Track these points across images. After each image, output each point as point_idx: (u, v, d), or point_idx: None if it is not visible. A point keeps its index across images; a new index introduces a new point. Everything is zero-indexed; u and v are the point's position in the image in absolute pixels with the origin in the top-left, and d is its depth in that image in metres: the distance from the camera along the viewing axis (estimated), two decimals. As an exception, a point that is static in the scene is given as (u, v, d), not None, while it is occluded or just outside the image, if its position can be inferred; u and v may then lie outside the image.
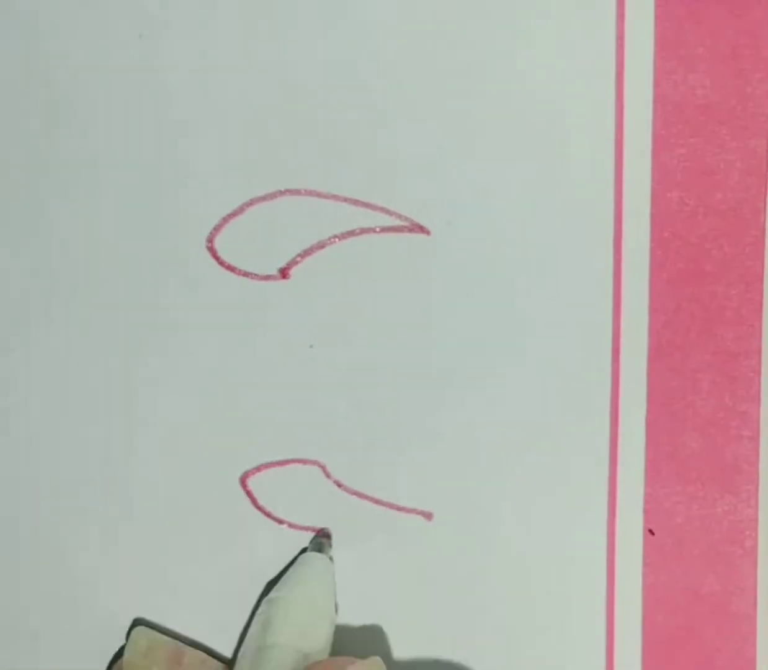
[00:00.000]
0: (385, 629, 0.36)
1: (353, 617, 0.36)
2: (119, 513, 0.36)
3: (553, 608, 0.36)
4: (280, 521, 0.36)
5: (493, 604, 0.36)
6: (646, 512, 0.35)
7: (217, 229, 0.37)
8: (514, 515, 0.36)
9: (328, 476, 0.36)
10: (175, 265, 0.36)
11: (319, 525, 0.36)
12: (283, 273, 0.36)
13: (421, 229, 0.36)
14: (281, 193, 0.36)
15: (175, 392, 0.36)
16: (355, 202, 0.36)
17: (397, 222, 0.36)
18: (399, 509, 0.36)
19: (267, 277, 0.36)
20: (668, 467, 0.35)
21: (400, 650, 0.36)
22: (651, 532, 0.35)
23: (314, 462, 0.36)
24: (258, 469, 0.36)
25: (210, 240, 0.37)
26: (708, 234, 0.35)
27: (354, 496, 0.36)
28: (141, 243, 0.36)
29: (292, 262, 0.36)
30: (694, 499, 0.35)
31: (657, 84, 0.34)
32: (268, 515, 0.36)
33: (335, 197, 0.36)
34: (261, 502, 0.36)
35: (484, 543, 0.36)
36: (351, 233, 0.36)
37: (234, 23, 0.36)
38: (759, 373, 0.35)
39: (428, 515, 0.36)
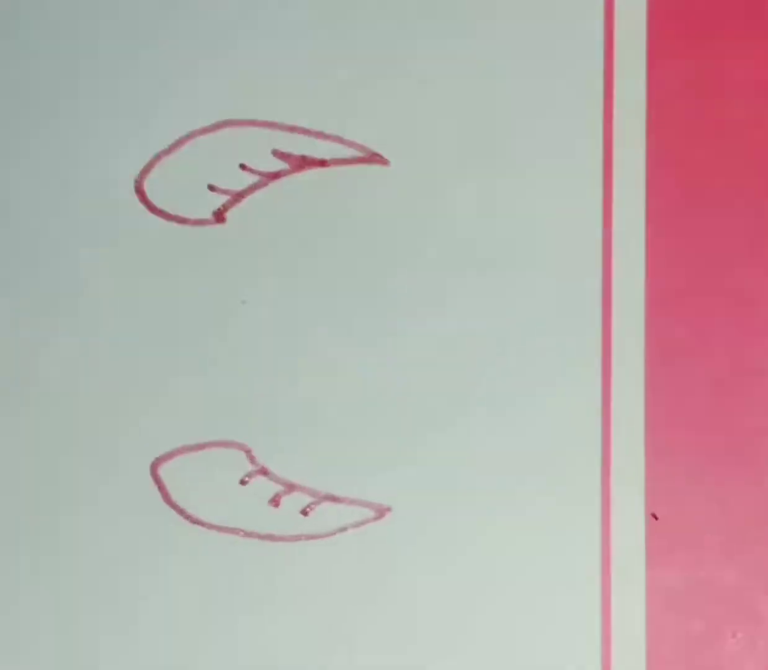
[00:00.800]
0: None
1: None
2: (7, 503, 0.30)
3: (541, 611, 0.28)
4: (196, 521, 0.30)
5: (472, 606, 0.28)
6: (647, 493, 0.28)
7: (147, 168, 0.31)
8: (493, 507, 0.28)
9: (253, 461, 0.29)
10: (98, 209, 0.31)
11: (244, 523, 0.29)
12: (218, 216, 0.31)
13: (380, 159, 0.30)
14: (223, 124, 0.31)
15: (77, 357, 0.30)
16: (306, 132, 0.30)
17: (352, 152, 0.30)
18: (342, 501, 0.29)
19: (200, 222, 0.31)
20: (669, 438, 0.28)
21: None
22: (654, 516, 0.27)
23: (237, 445, 0.30)
24: (171, 455, 0.30)
25: (138, 181, 0.31)
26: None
27: (284, 486, 0.29)
28: (61, 184, 0.31)
29: (229, 204, 0.31)
30: (703, 476, 0.28)
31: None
32: (181, 512, 0.30)
33: (282, 127, 0.31)
34: (174, 496, 0.30)
35: (452, 539, 0.28)
36: (299, 167, 0.30)
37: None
38: None
39: (383, 510, 0.29)
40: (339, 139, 0.30)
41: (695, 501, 0.28)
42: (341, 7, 0.30)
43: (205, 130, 0.31)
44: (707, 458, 0.28)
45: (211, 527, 0.29)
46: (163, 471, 0.30)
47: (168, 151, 0.31)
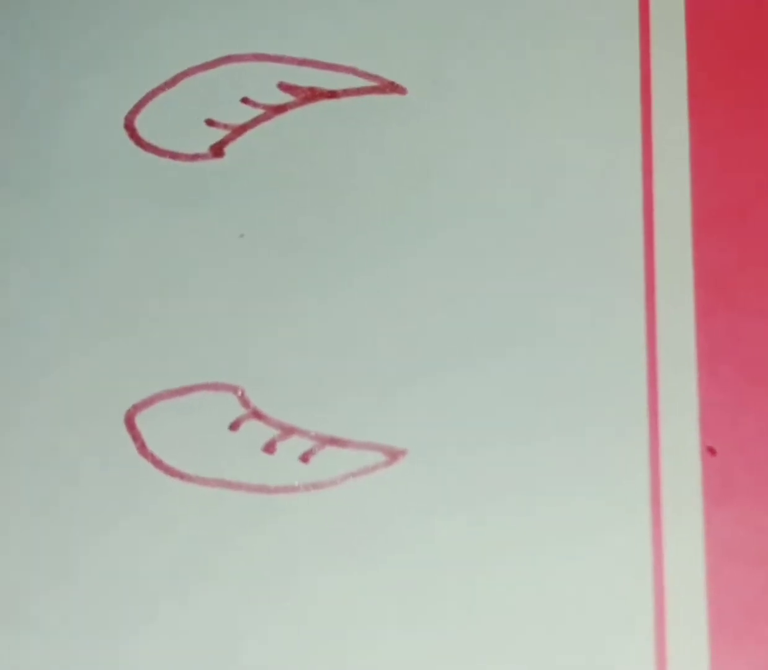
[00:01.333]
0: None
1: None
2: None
3: (582, 558, 0.24)
4: (176, 473, 0.25)
5: (502, 556, 0.24)
6: (702, 423, 0.24)
7: (139, 105, 0.29)
8: (524, 446, 0.25)
9: (245, 404, 0.26)
10: (89, 147, 0.28)
11: (233, 475, 0.25)
12: (216, 150, 0.28)
13: (396, 87, 0.28)
14: (224, 59, 0.29)
15: (58, 292, 0.27)
16: (315, 64, 0.28)
17: (364, 83, 0.28)
18: (348, 445, 0.25)
19: (195, 157, 0.28)
20: (727, 363, 0.25)
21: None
22: (711, 451, 0.24)
23: (228, 386, 0.26)
24: (151, 401, 0.26)
25: (129, 118, 0.29)
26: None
27: (280, 430, 0.26)
28: (50, 122, 0.29)
29: (229, 138, 0.28)
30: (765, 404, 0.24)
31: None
32: (158, 463, 0.26)
33: (290, 61, 0.28)
34: (151, 446, 0.26)
35: (479, 483, 0.24)
36: (307, 99, 0.28)
37: None
38: None
39: (396, 454, 0.25)
40: (353, 70, 0.28)
41: (756, 432, 0.24)
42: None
43: (204, 66, 0.29)
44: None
45: (192, 479, 0.25)
46: (140, 420, 0.26)
47: (163, 87, 0.29)
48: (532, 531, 0.24)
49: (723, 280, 0.25)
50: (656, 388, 0.24)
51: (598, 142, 0.27)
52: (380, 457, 0.25)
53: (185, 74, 0.29)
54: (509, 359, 0.25)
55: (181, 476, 0.25)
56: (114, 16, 0.29)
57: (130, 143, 0.29)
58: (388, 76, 0.28)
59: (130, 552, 0.25)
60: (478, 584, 0.24)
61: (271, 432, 0.25)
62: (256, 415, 0.25)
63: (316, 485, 0.25)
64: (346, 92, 0.28)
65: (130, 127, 0.29)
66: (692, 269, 0.25)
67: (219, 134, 0.28)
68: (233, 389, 0.26)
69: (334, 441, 0.25)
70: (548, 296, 0.25)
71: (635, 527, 0.23)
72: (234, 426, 0.25)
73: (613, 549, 0.23)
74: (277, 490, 0.25)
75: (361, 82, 0.28)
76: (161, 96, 0.29)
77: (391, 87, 0.28)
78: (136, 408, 0.26)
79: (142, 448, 0.26)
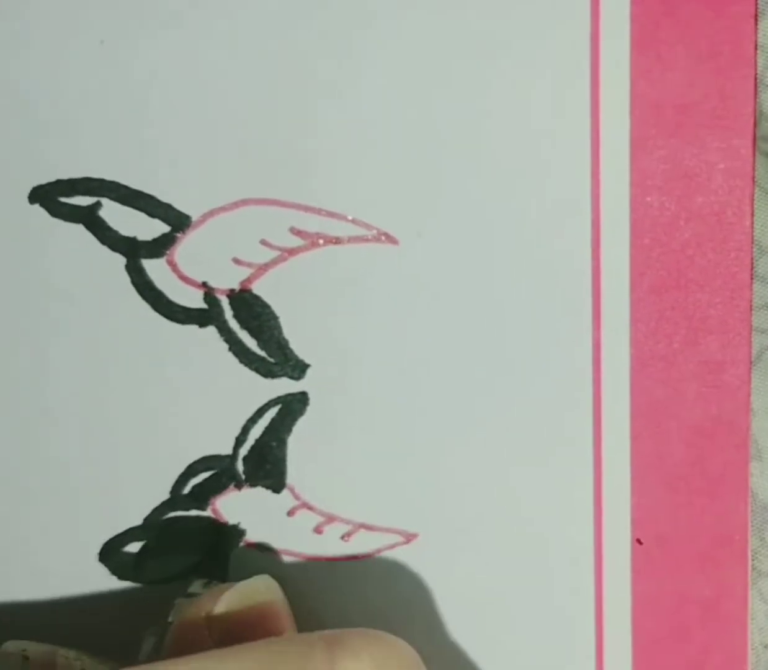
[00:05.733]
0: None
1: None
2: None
3: (541, 622, 0.35)
4: (252, 545, 0.36)
5: (479, 620, 0.35)
6: (633, 521, 0.34)
7: (177, 242, 0.35)
8: (499, 530, 0.35)
9: (297, 498, 0.35)
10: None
11: (295, 547, 0.36)
12: (244, 287, 0.35)
13: (389, 239, 0.34)
14: (243, 202, 0.34)
15: (130, 417, 0.35)
16: (319, 212, 0.34)
17: (363, 232, 0.34)
18: (377, 529, 0.35)
19: (228, 293, 0.35)
20: (654, 476, 0.34)
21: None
22: (638, 541, 0.34)
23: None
24: (225, 492, 0.36)
25: (170, 254, 0.35)
26: (690, 240, 0.33)
27: (325, 517, 0.36)
28: (100, 259, 0.35)
29: (254, 276, 0.35)
30: (682, 508, 0.34)
31: (633, 84, 0.31)
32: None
33: (298, 207, 0.34)
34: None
35: (469, 561, 0.35)
36: (314, 244, 0.34)
37: (196, 30, 0.33)
38: (747, 382, 0.34)
39: (411, 536, 0.35)
40: (351, 219, 0.34)
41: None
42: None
43: (224, 208, 0.35)
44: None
45: (266, 549, 0.35)
46: (219, 503, 0.35)
47: (193, 226, 0.35)
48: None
49: (655, 413, 0.34)
50: (601, 495, 0.34)
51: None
52: (398, 537, 0.35)
53: (209, 215, 0.35)
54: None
55: (258, 546, 0.35)
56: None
57: (172, 275, 0.35)
58: (382, 227, 0.34)
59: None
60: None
61: (319, 519, 0.35)
62: (307, 506, 0.35)
63: (353, 557, 0.35)
64: (351, 239, 0.34)
65: (171, 262, 0.35)
66: (629, 403, 0.34)
67: (246, 272, 0.35)
68: (287, 486, 0.35)
69: (364, 526, 0.35)
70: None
71: (580, 596, 0.34)
72: (290, 513, 0.35)
73: (557, 619, 0.35)
74: (327, 559, 0.35)
75: (359, 231, 0.34)
76: (192, 234, 0.35)
77: (386, 237, 0.34)
78: (216, 496, 0.36)
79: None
